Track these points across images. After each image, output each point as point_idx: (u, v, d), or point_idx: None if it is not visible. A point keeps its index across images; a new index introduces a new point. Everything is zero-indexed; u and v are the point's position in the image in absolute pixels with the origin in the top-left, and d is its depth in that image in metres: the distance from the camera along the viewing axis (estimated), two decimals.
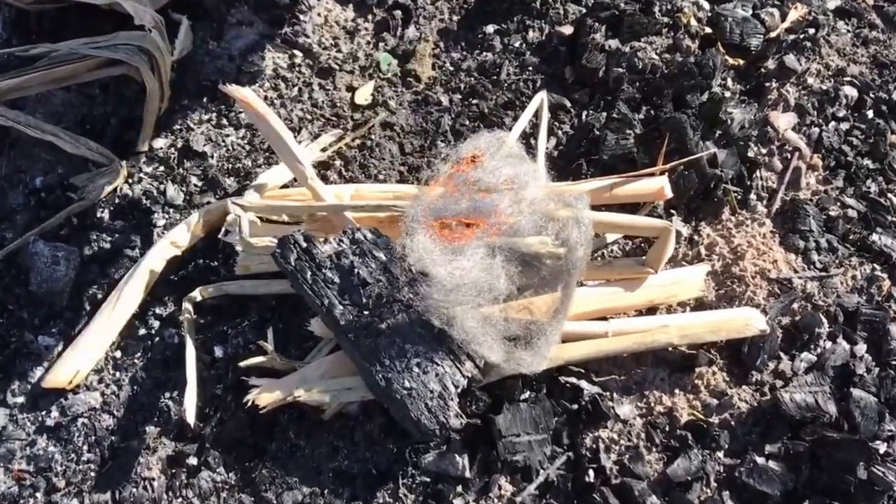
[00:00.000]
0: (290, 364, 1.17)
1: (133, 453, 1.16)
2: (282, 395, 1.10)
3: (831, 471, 1.13)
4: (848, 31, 1.58)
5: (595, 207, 1.20)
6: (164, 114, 1.43)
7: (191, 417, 1.12)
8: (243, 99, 1.20)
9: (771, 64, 1.50)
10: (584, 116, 1.44)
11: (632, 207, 1.32)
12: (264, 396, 1.10)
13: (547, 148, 1.39)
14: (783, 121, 1.45)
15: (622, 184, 1.27)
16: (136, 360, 1.24)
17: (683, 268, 1.29)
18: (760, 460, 1.13)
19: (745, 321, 1.20)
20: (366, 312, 1.07)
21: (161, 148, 1.41)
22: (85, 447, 1.17)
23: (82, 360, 1.20)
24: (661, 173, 1.30)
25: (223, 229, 1.24)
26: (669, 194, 1.27)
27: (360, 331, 1.06)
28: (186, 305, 1.22)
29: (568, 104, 1.45)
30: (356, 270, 1.09)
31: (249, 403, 1.10)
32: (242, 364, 1.16)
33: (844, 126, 1.46)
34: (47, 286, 1.25)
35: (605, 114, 1.43)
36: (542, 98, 1.39)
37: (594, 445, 1.17)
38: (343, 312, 1.07)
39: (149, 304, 1.27)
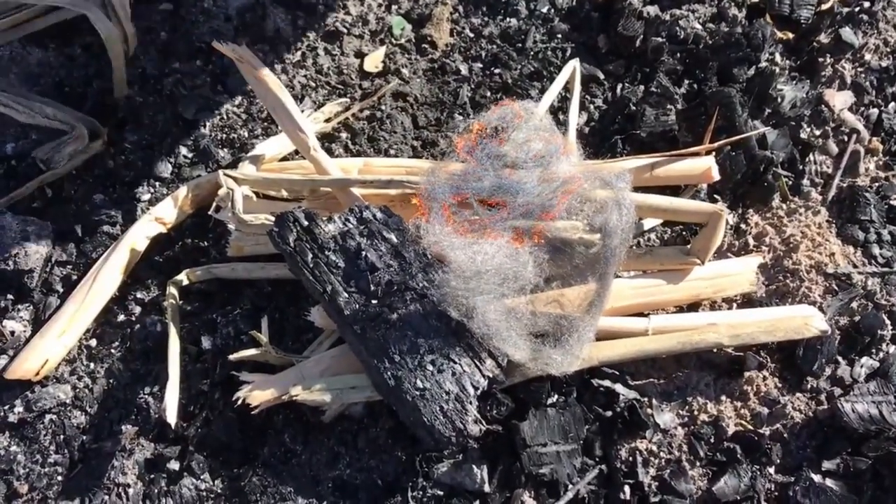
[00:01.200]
0: (286, 358, 1.12)
1: (106, 455, 1.10)
2: (276, 393, 1.04)
3: None
4: None
5: (633, 190, 1.13)
6: (148, 77, 1.36)
7: (172, 416, 1.07)
8: (240, 59, 1.16)
9: (824, 38, 1.42)
10: (619, 90, 1.38)
11: (671, 192, 1.24)
12: (257, 394, 1.05)
13: (577, 124, 1.31)
14: (839, 100, 1.36)
15: (664, 163, 1.20)
16: (112, 350, 1.19)
17: (732, 259, 1.21)
18: (817, 478, 1.07)
19: (804, 320, 1.12)
20: (374, 301, 1.02)
21: (148, 114, 1.35)
22: (52, 447, 1.12)
23: (52, 348, 1.14)
24: (708, 153, 1.22)
25: (214, 205, 1.20)
26: (717, 176, 1.19)
27: (366, 322, 1.01)
28: (171, 290, 1.17)
29: (601, 76, 1.39)
30: (363, 253, 1.04)
31: (240, 402, 1.05)
32: (233, 357, 1.10)
33: None
34: (15, 264, 1.20)
35: (642, 87, 1.37)
36: (574, 66, 1.31)
37: (630, 458, 1.11)
38: (348, 301, 1.02)
39: (129, 288, 1.22)
